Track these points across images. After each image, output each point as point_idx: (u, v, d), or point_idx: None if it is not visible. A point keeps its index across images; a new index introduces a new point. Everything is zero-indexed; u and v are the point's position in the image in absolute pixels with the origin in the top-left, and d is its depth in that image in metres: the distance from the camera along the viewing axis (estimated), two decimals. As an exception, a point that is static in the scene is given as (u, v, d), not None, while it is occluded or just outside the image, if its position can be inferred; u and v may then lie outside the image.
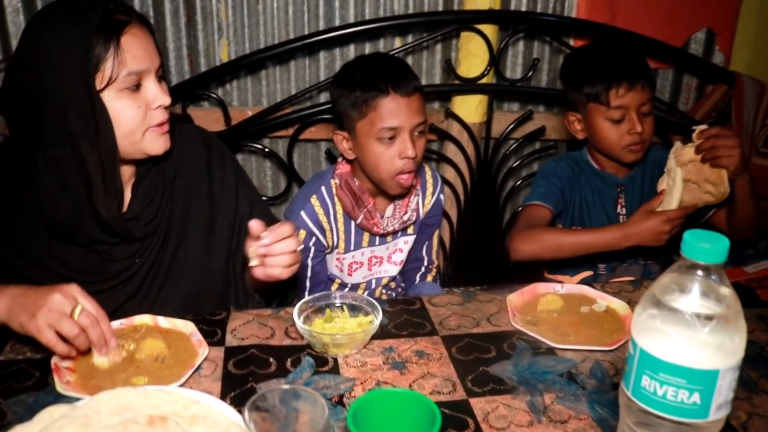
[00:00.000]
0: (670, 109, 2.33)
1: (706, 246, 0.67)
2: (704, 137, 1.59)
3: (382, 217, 1.70)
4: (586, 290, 1.35)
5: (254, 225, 1.17)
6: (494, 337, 1.20)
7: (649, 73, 1.74)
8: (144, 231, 1.26)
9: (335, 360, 1.10)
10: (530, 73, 2.18)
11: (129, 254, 1.27)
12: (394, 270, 1.82)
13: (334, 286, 1.79)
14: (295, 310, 1.15)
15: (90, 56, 1.11)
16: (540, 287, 1.35)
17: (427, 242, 1.90)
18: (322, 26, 2.13)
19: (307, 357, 1.11)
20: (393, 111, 1.55)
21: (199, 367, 1.06)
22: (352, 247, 1.74)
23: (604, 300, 1.32)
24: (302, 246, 1.23)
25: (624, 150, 1.75)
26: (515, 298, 1.30)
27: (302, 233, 1.63)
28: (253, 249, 1.18)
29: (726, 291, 0.70)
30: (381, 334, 1.18)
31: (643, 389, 0.71)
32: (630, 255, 1.80)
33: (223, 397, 1.00)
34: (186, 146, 1.37)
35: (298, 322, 1.12)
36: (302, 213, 1.65)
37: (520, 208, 2.33)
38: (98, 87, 1.14)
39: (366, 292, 1.82)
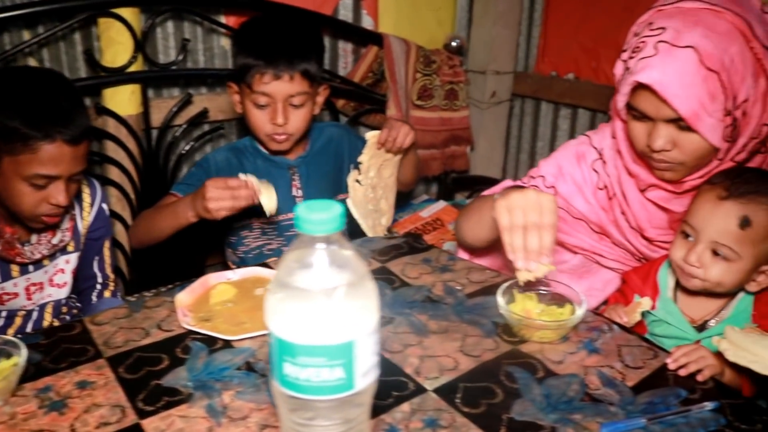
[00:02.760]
0: (332, 75, 2.40)
1: (320, 217, 0.65)
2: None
3: (25, 244, 1.48)
4: (261, 271, 1.32)
5: None
6: (165, 344, 1.11)
7: (307, 65, 1.63)
8: None
9: (-27, 421, 0.93)
10: (181, 56, 2.07)
11: None
12: (60, 293, 1.61)
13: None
14: None
15: None
16: (211, 278, 1.28)
17: (97, 257, 1.72)
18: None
19: (-65, 426, 0.92)
20: (55, 159, 1.33)
21: None
22: (-1, 280, 1.51)
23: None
24: None
25: (266, 137, 1.69)
26: (185, 296, 1.22)
27: None
28: None
29: (349, 257, 0.68)
30: (35, 373, 1.02)
31: (287, 377, 0.68)
32: None
33: None
34: None
35: None
36: None
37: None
38: None
39: (31, 324, 1.59)
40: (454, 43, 2.62)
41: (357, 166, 1.71)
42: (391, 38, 2.41)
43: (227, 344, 1.10)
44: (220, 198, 1.45)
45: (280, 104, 1.62)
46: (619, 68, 1.27)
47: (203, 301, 1.22)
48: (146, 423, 0.92)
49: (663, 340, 1.30)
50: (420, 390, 0.99)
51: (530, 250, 1.14)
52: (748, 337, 1.05)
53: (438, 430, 0.91)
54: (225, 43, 2.23)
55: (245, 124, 1.74)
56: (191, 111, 2.12)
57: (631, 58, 1.20)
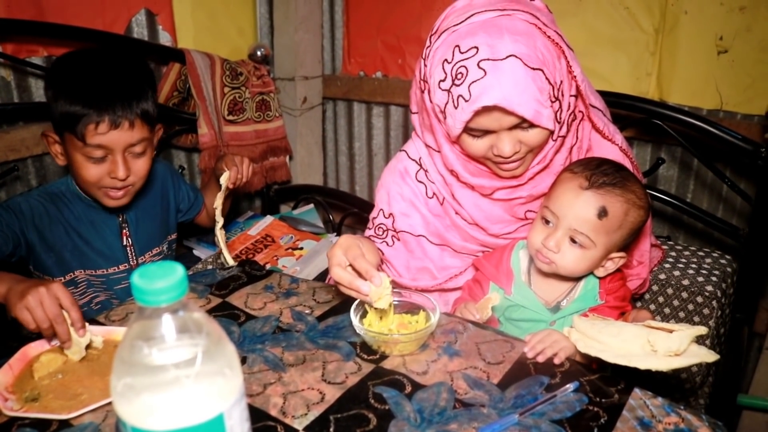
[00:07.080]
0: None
1: (161, 285, 0.57)
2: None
3: None
4: (90, 328, 1.17)
5: None
6: (-13, 439, 0.95)
7: (146, 105, 1.45)
8: None
9: None
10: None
11: None
12: None
13: None
14: None
15: None
16: (31, 348, 1.13)
17: None
18: None
19: None
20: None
21: None
22: None
23: (98, 335, 1.15)
24: None
25: (101, 192, 1.50)
26: (2, 376, 1.05)
27: None
28: None
29: (199, 319, 0.61)
30: None
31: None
32: None
33: None
34: None
35: None
36: None
37: None
38: None
39: None
40: (259, 53, 2.54)
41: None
42: (193, 53, 2.28)
43: (64, 424, 0.97)
44: (42, 317, 1.10)
45: (120, 155, 1.44)
46: (441, 97, 1.24)
47: (26, 378, 1.07)
48: None
49: (520, 324, 1.34)
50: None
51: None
52: (594, 327, 1.11)
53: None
54: (6, 74, 1.99)
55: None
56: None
57: (455, 86, 1.19)
